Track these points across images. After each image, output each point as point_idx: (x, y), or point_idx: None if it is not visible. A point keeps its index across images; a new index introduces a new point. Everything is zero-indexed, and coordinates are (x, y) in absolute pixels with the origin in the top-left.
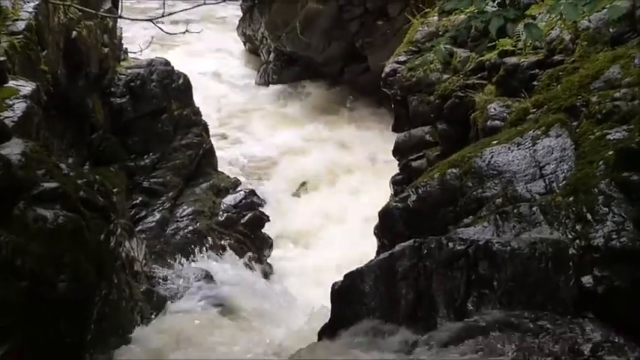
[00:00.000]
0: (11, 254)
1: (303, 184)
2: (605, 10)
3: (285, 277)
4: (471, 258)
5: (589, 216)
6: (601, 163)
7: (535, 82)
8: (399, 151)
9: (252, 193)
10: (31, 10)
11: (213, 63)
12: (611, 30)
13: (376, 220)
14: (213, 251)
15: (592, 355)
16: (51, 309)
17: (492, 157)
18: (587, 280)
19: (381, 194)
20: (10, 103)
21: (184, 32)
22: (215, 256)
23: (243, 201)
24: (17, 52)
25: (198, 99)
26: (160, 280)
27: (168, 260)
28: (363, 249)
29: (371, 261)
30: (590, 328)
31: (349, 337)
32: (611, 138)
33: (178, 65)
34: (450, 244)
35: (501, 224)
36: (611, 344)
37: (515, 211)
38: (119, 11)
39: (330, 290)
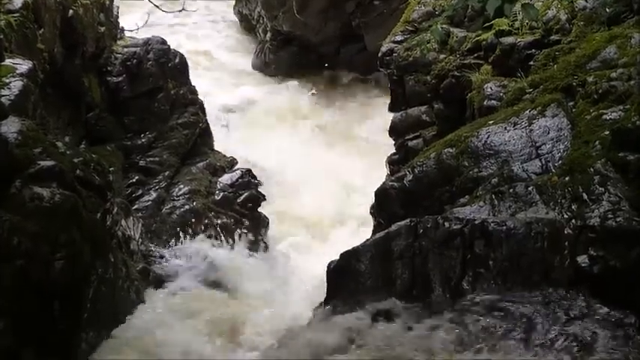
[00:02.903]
0: (7, 233)
1: None
2: None
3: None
4: (466, 237)
5: (585, 196)
6: (597, 142)
7: (531, 62)
8: (395, 131)
9: (249, 172)
10: None
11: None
12: (607, 10)
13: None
14: (210, 230)
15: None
16: (46, 288)
17: (489, 136)
18: (582, 259)
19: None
20: (7, 81)
21: (180, 10)
22: (211, 235)
23: (240, 180)
24: (14, 31)
25: None
26: (157, 259)
27: (165, 239)
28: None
29: (367, 240)
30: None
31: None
32: (608, 118)
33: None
34: (446, 224)
35: (497, 204)
36: (605, 325)
37: (511, 190)
38: None
39: (325, 269)
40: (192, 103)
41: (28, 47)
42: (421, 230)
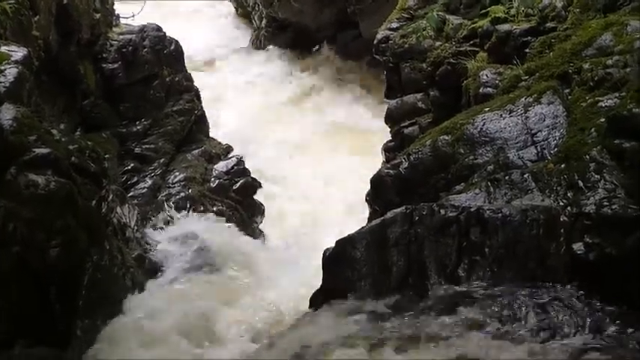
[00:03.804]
0: (3, 219)
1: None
2: None
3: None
4: (462, 225)
5: (580, 183)
6: (593, 130)
7: (527, 50)
8: (391, 118)
9: (244, 159)
10: None
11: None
12: None
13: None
14: (206, 217)
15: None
16: (42, 275)
17: (484, 124)
18: (578, 247)
19: None
20: (2, 68)
21: None
22: (207, 223)
23: (235, 167)
24: (9, 18)
25: None
26: (152, 246)
27: (160, 226)
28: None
29: (362, 227)
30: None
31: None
32: (603, 105)
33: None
34: (442, 211)
35: (493, 191)
36: (599, 312)
37: (506, 177)
38: None
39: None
40: (187, 90)
41: (23, 34)
42: (417, 217)
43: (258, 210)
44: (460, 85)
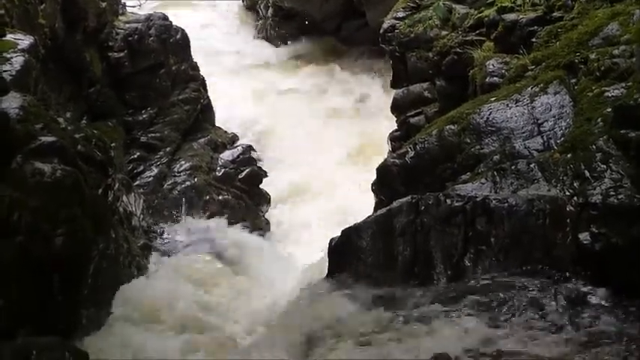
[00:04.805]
0: (8, 209)
1: None
2: None
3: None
4: (468, 214)
5: (587, 173)
6: (599, 120)
7: (534, 39)
8: (397, 107)
9: (250, 148)
10: None
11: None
12: None
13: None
14: (211, 206)
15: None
16: (46, 265)
17: (490, 113)
18: (584, 237)
19: None
20: (8, 56)
21: None
22: (212, 211)
23: (241, 156)
24: (15, 6)
25: None
26: (158, 235)
27: (166, 215)
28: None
29: (368, 217)
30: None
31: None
32: (610, 95)
33: None
34: (448, 201)
35: (499, 181)
36: (606, 302)
37: (512, 167)
38: None
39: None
40: (193, 79)
41: (29, 22)
42: (423, 207)
43: (263, 199)
44: (466, 74)
